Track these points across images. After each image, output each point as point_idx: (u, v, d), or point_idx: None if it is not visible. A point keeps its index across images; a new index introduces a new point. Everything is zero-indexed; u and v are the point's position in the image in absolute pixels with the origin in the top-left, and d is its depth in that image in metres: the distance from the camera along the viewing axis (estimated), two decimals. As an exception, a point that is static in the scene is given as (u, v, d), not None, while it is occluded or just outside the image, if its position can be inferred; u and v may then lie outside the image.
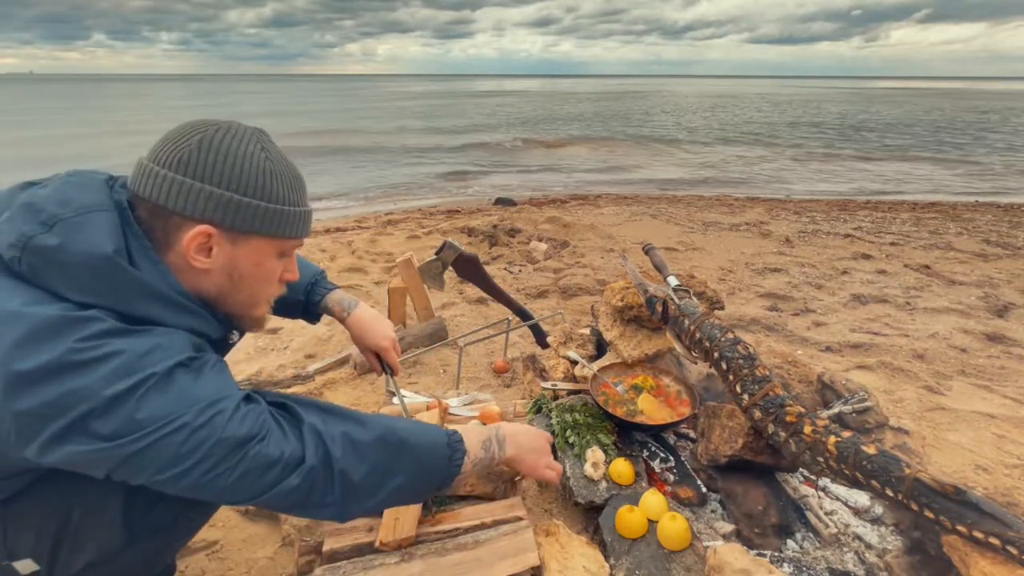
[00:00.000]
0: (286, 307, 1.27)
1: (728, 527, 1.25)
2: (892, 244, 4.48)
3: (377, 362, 1.34)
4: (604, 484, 1.35)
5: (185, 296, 0.79)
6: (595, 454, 1.39)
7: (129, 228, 0.76)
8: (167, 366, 0.70)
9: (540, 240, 4.35)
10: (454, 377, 2.09)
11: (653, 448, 1.50)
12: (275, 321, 2.69)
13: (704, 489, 1.35)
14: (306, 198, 0.88)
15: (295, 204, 0.84)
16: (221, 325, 0.87)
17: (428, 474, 0.90)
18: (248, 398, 0.77)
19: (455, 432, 0.95)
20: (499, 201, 6.59)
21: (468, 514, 1.23)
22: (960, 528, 0.94)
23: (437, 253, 2.36)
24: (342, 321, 1.29)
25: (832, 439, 1.10)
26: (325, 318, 1.31)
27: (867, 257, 4.06)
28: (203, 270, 0.80)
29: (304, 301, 1.26)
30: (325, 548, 1.13)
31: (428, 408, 1.54)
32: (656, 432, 1.53)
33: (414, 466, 0.88)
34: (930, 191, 7.98)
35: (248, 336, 2.53)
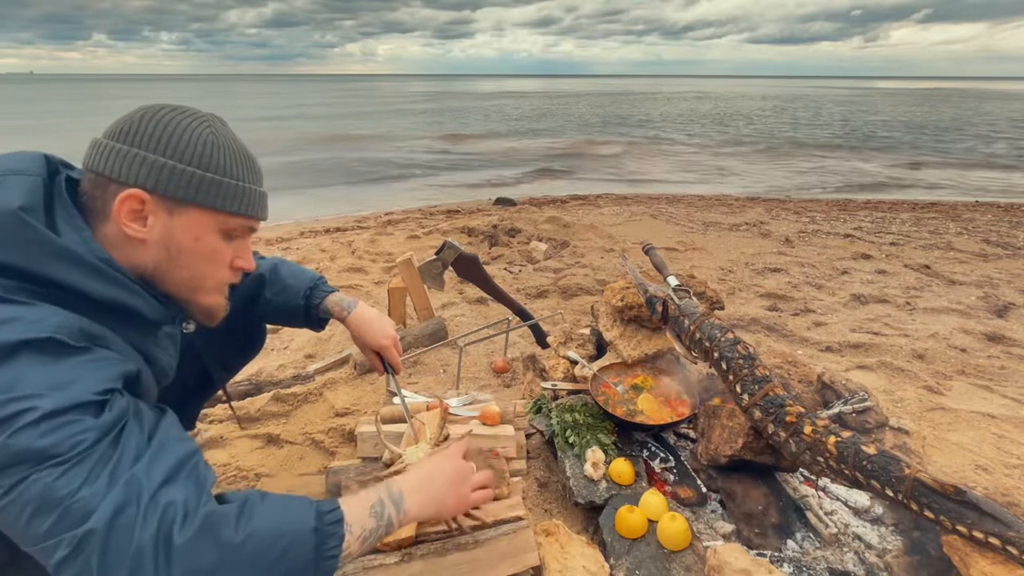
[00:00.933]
0: (287, 314, 1.26)
1: (728, 527, 1.25)
2: (892, 244, 4.48)
3: (379, 361, 1.32)
4: (604, 484, 1.35)
5: (111, 265, 0.73)
6: (595, 454, 1.39)
7: (59, 196, 0.73)
8: (11, 340, 0.61)
9: (540, 240, 4.35)
10: (454, 377, 2.09)
11: (653, 448, 1.50)
12: (275, 321, 2.69)
13: (704, 489, 1.35)
14: (256, 177, 0.85)
15: (239, 178, 0.81)
16: (164, 307, 0.81)
17: (284, 571, 0.67)
18: (99, 405, 0.63)
19: (331, 505, 0.75)
20: (499, 201, 6.60)
21: (468, 514, 1.22)
22: (960, 528, 0.94)
23: (437, 253, 2.36)
24: (342, 321, 1.28)
25: (832, 439, 1.10)
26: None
27: (867, 257, 4.06)
28: (139, 240, 0.76)
29: (305, 305, 1.25)
30: (325, 548, 1.13)
31: (428, 408, 1.54)
32: (656, 432, 1.53)
33: (251, 563, 0.65)
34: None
35: (248, 336, 2.54)
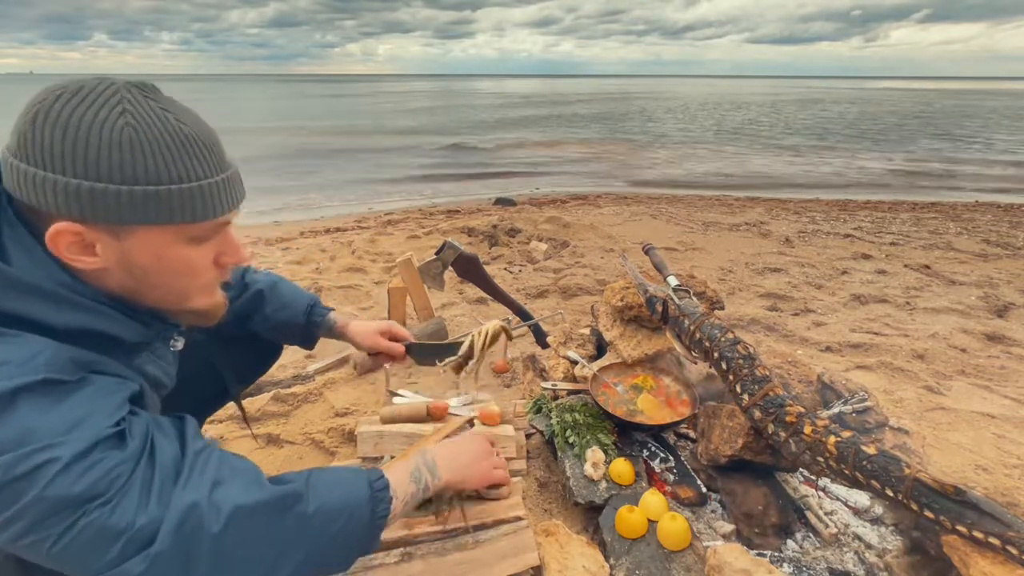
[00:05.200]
0: (284, 331, 1.25)
1: (728, 527, 1.25)
2: (892, 244, 4.48)
3: (393, 345, 1.31)
4: (604, 484, 1.35)
5: (73, 289, 0.65)
6: (595, 454, 1.39)
7: (3, 214, 0.64)
8: (6, 390, 0.56)
9: (540, 240, 4.35)
10: (454, 377, 2.09)
11: (653, 448, 1.50)
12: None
13: (704, 489, 1.35)
14: (206, 164, 0.68)
15: (180, 178, 0.65)
16: (146, 326, 0.74)
17: (345, 537, 0.75)
18: (119, 436, 0.61)
19: (378, 474, 0.83)
20: (499, 201, 6.60)
21: (468, 514, 1.22)
22: (960, 528, 0.94)
23: (437, 253, 2.36)
24: (343, 333, 1.29)
25: (832, 439, 1.10)
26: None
27: (867, 257, 4.06)
28: (98, 269, 0.66)
29: (306, 323, 1.25)
30: (325, 548, 1.13)
31: (428, 408, 1.54)
32: (656, 432, 1.53)
33: (322, 532, 0.72)
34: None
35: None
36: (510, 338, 1.49)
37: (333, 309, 1.30)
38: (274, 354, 1.38)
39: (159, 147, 0.63)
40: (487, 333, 1.39)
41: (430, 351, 1.37)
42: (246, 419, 1.45)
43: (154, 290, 0.72)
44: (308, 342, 1.30)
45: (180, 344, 0.86)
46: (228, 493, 0.65)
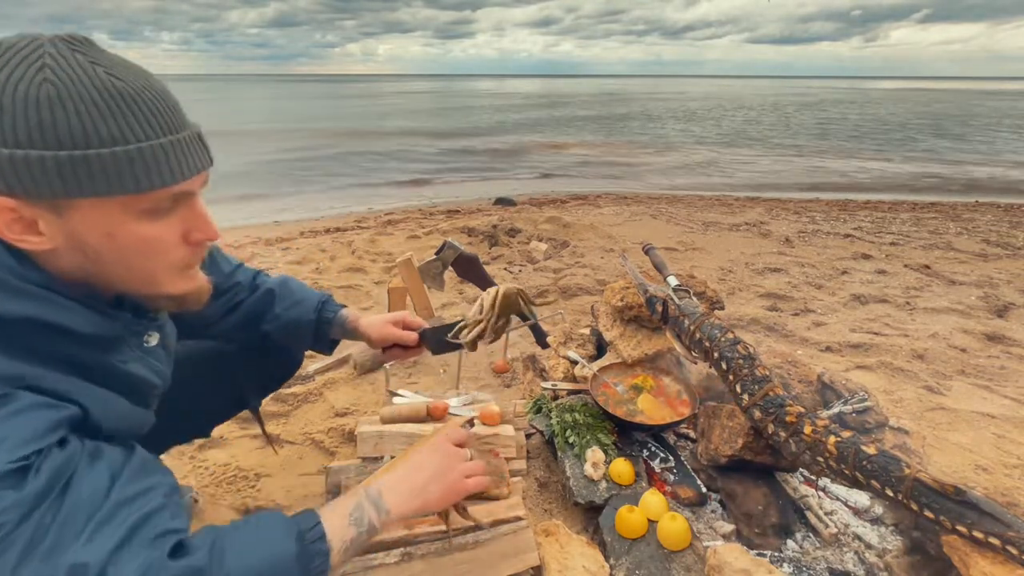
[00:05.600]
0: (296, 330, 1.18)
1: (728, 527, 1.25)
2: (892, 244, 4.48)
3: (402, 334, 1.22)
4: (604, 484, 1.35)
5: (19, 275, 0.58)
6: (595, 454, 1.39)
7: None
8: None
9: (540, 240, 4.35)
10: (454, 377, 2.09)
11: (653, 448, 1.50)
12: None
13: (704, 489, 1.35)
14: (148, 124, 0.58)
15: (115, 141, 0.55)
16: (106, 317, 0.66)
17: None
18: (20, 473, 0.52)
19: (311, 522, 0.69)
20: (499, 201, 6.59)
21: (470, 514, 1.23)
22: (960, 528, 0.94)
23: (437, 253, 2.36)
24: (355, 329, 1.21)
25: (832, 439, 1.10)
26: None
27: (867, 257, 4.06)
28: (48, 250, 0.59)
29: (316, 320, 1.18)
30: (325, 548, 1.13)
31: (429, 409, 1.54)
32: (656, 432, 1.53)
33: None
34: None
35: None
36: (528, 303, 1.38)
37: (345, 307, 1.24)
38: (293, 364, 1.34)
39: (85, 104, 0.54)
40: (497, 293, 1.29)
41: (444, 334, 1.26)
42: (264, 430, 1.44)
43: (116, 273, 0.63)
44: (321, 343, 1.23)
45: (154, 341, 0.77)
46: (127, 567, 0.53)
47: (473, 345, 1.26)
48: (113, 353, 0.69)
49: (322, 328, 1.19)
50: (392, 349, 1.25)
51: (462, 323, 1.27)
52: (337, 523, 0.72)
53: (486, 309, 1.28)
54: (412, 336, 1.22)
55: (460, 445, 0.91)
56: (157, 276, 0.66)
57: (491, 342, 1.30)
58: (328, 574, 0.69)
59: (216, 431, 1.77)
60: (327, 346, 1.24)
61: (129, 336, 0.72)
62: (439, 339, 1.26)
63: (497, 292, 1.30)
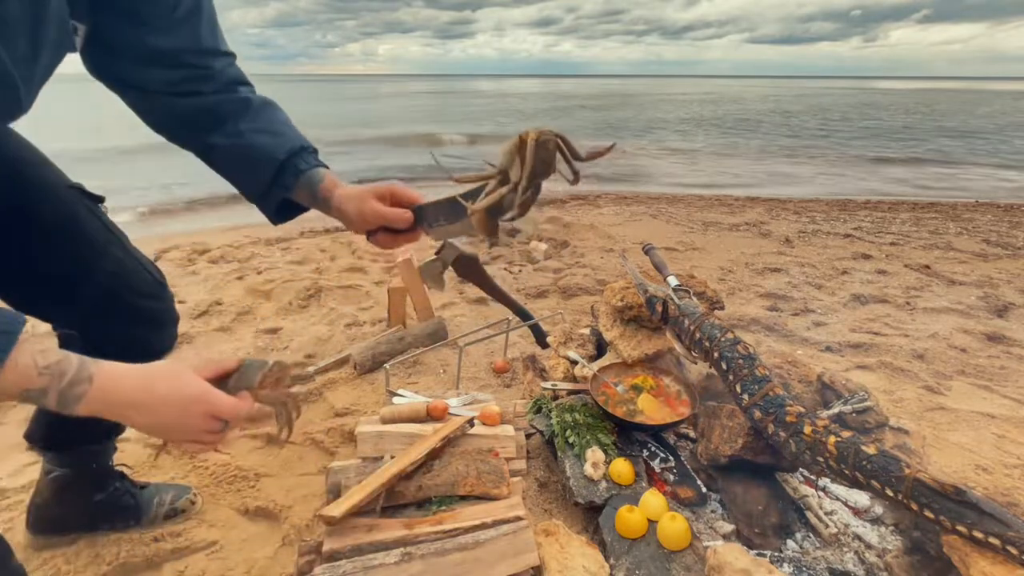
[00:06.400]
0: (249, 167, 0.92)
1: (728, 527, 1.25)
2: (892, 244, 4.48)
3: (394, 214, 0.93)
4: (604, 484, 1.35)
5: None
6: (595, 454, 1.39)
7: None
8: None
9: (540, 240, 4.36)
10: (454, 377, 2.09)
11: (653, 448, 1.50)
12: (275, 321, 2.69)
13: (704, 489, 1.35)
14: None
15: None
16: None
17: None
18: None
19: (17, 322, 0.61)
20: (499, 201, 6.59)
21: (468, 514, 1.23)
22: (960, 528, 0.94)
23: (437, 253, 2.36)
24: (328, 195, 0.93)
25: (832, 439, 1.10)
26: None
27: (867, 257, 4.06)
28: None
29: (281, 165, 0.91)
30: (325, 548, 1.13)
31: (428, 409, 1.54)
32: (656, 432, 1.53)
33: None
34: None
35: (248, 336, 2.53)
36: (571, 157, 0.82)
37: (326, 167, 0.98)
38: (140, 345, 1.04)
39: None
40: (527, 140, 0.76)
41: (448, 211, 0.93)
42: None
43: None
44: (271, 199, 0.94)
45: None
46: None
47: (491, 227, 0.83)
48: None
49: (285, 178, 0.92)
50: (378, 234, 0.97)
51: (475, 187, 0.88)
52: (27, 361, 0.61)
53: (510, 164, 0.80)
54: (404, 215, 0.93)
55: (220, 419, 0.74)
56: None
57: (514, 218, 0.81)
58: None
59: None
60: (280, 211, 0.97)
61: None
62: (442, 215, 0.92)
63: (528, 139, 0.76)
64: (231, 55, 0.95)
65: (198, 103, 0.90)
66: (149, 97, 0.89)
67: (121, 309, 1.05)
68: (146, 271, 1.11)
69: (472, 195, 0.88)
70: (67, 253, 0.97)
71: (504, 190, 0.80)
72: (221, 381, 0.79)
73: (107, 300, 1.02)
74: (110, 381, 0.66)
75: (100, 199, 1.05)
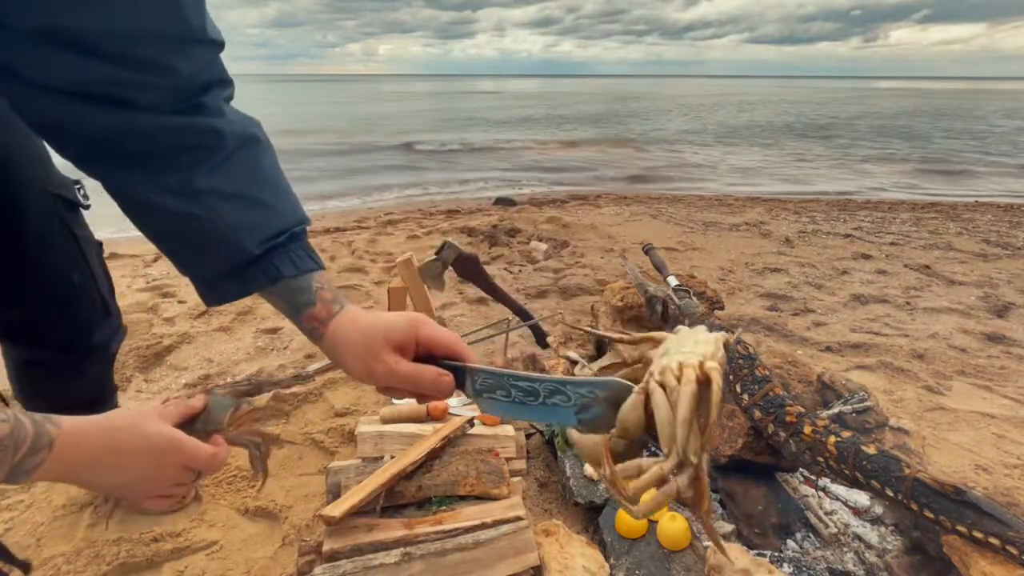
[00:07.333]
0: (202, 247, 0.64)
1: (728, 527, 1.25)
2: (892, 244, 4.48)
3: (432, 381, 0.66)
4: (604, 484, 1.35)
5: None
6: (595, 454, 1.39)
7: None
8: None
9: (540, 240, 4.36)
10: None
11: (653, 448, 1.50)
12: (275, 320, 2.69)
13: (704, 489, 1.35)
14: None
15: None
16: None
17: None
18: None
19: None
20: (499, 201, 6.59)
21: (468, 514, 1.23)
22: (960, 528, 0.94)
23: (437, 253, 2.36)
24: (323, 332, 0.73)
25: (832, 439, 1.10)
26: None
27: (867, 257, 4.07)
28: None
29: (258, 258, 0.65)
30: (325, 548, 1.13)
31: (428, 410, 1.54)
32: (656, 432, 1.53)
33: None
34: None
35: (248, 336, 2.53)
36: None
37: (322, 269, 0.71)
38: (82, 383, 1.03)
39: None
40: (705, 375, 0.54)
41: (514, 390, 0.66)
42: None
43: None
44: (214, 290, 0.68)
45: None
46: None
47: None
48: None
49: (253, 278, 0.65)
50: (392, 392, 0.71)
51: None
52: None
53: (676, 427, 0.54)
54: (441, 383, 0.66)
55: (194, 470, 0.67)
56: None
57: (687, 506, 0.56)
58: None
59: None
60: (217, 296, 0.69)
61: None
62: (491, 394, 0.66)
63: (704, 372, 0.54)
64: (215, 44, 0.64)
65: (127, 121, 0.57)
66: (42, 95, 0.55)
67: (49, 335, 1.01)
68: (97, 296, 1.06)
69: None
70: (20, 270, 0.90)
71: (668, 465, 0.50)
72: (188, 424, 0.72)
73: (40, 325, 0.98)
74: (68, 445, 0.53)
75: (83, 206, 0.99)
